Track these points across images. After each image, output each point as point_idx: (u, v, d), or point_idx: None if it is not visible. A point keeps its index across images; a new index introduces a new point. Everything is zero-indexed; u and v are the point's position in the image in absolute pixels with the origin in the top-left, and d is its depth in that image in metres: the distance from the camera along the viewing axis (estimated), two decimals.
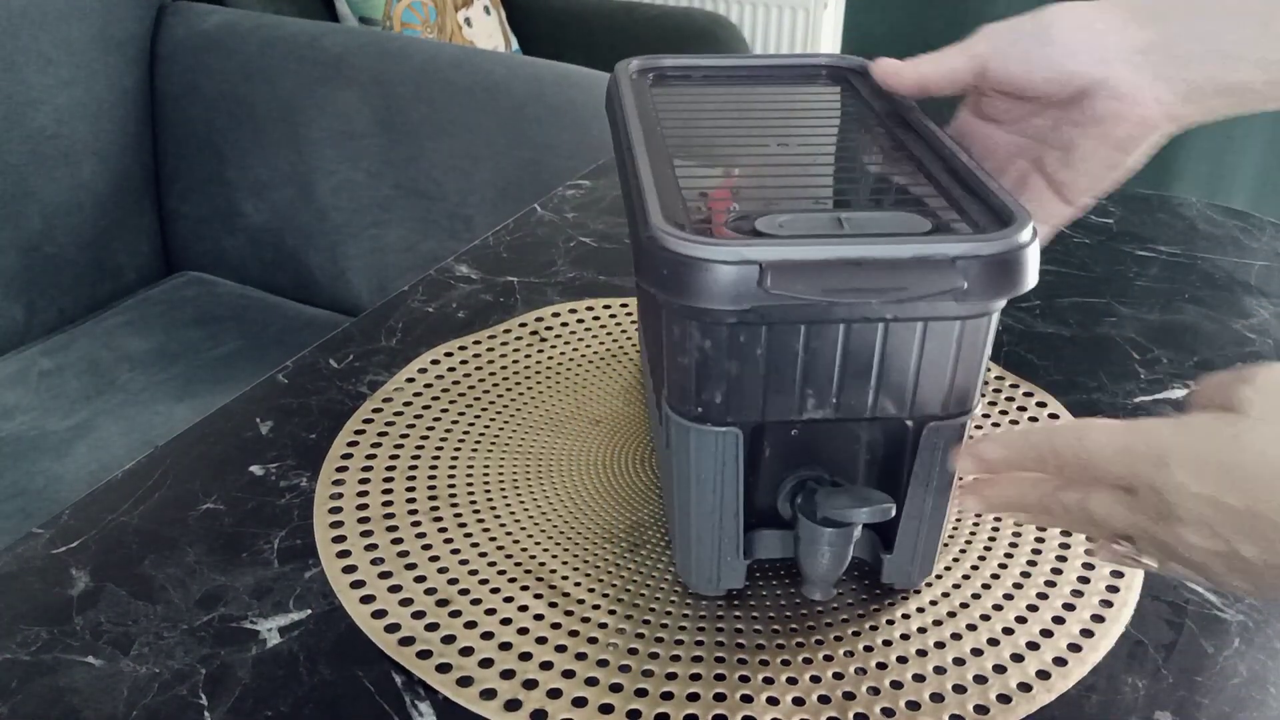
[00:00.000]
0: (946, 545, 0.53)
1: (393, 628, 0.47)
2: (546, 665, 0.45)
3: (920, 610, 0.49)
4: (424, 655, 0.46)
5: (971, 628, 0.48)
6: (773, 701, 0.44)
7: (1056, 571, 0.51)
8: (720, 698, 0.44)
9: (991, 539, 0.53)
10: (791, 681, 0.45)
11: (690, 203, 0.43)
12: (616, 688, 0.45)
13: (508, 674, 0.45)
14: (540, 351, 0.68)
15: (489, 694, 0.44)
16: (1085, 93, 0.45)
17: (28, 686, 0.44)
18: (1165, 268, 0.81)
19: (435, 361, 0.67)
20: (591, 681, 0.45)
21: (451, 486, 0.56)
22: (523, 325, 0.71)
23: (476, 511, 0.55)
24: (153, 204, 1.49)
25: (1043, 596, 0.50)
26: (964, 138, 0.51)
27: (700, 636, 0.47)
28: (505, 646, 0.46)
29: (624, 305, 0.73)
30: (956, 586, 0.50)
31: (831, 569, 0.45)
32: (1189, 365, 0.68)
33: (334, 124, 1.38)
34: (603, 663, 0.46)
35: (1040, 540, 0.53)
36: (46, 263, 1.34)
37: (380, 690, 0.44)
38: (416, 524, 0.54)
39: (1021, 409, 0.63)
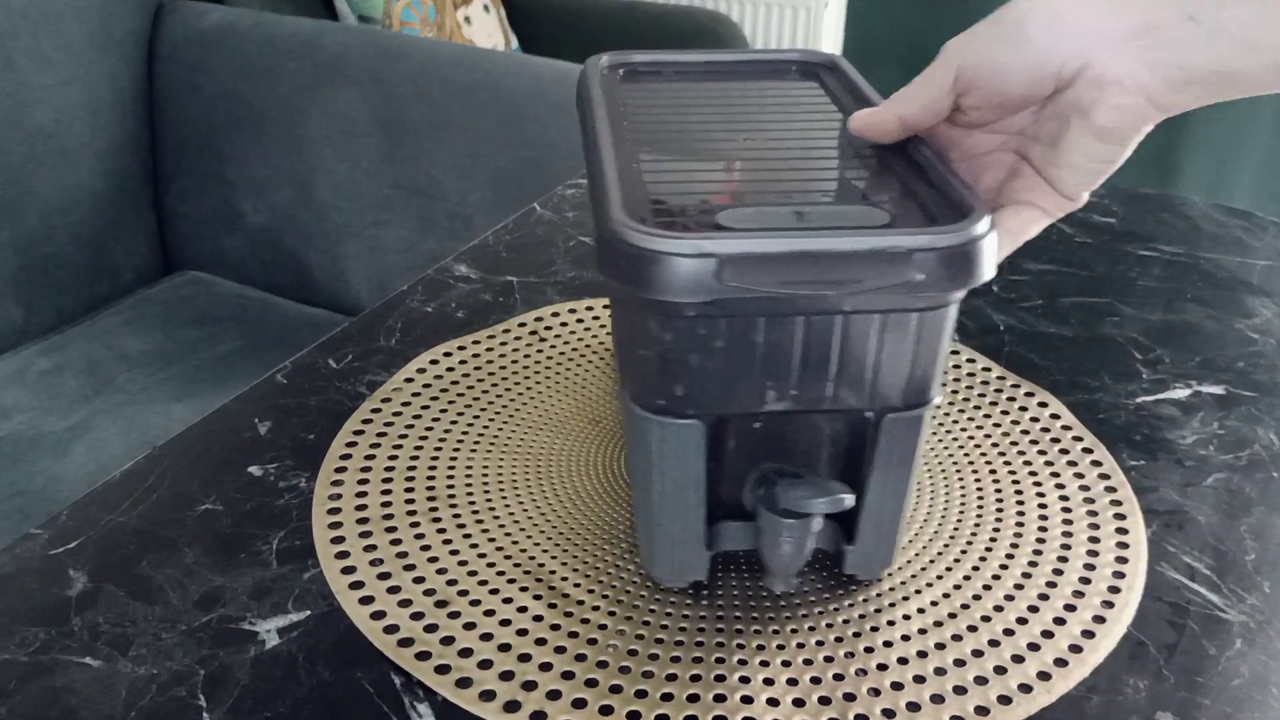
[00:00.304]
0: (947, 546, 0.53)
1: (392, 629, 0.47)
2: (546, 666, 0.45)
3: (921, 611, 0.49)
4: (423, 656, 0.46)
5: (972, 629, 0.48)
6: (773, 702, 0.44)
7: (1057, 573, 0.51)
8: (720, 698, 0.44)
9: (992, 539, 0.53)
10: (792, 682, 0.45)
11: (662, 197, 0.43)
12: (616, 689, 0.44)
13: (507, 675, 0.45)
14: (540, 351, 0.68)
15: (488, 695, 0.44)
16: (1067, 83, 0.43)
17: (26, 687, 0.44)
18: (1168, 267, 0.81)
19: (434, 361, 0.67)
20: (591, 683, 0.45)
21: (450, 487, 0.56)
22: (522, 325, 0.71)
23: (475, 512, 0.54)
24: (151, 204, 1.49)
25: (1044, 597, 0.49)
26: (942, 144, 0.49)
27: (700, 638, 0.47)
28: (504, 648, 0.46)
29: None
30: (957, 587, 0.50)
31: (792, 560, 0.45)
32: (1191, 365, 0.68)
33: (333, 123, 1.38)
34: (603, 664, 0.46)
35: (1041, 541, 0.53)
36: (45, 262, 1.34)
37: (379, 691, 0.44)
38: (415, 525, 0.53)
39: (1023, 409, 0.63)
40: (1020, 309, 0.74)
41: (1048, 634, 0.47)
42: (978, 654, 0.46)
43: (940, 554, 0.52)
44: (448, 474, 0.57)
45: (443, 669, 0.45)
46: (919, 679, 0.45)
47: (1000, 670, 0.46)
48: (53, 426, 1.15)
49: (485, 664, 0.45)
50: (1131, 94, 0.42)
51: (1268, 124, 2.08)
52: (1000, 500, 0.56)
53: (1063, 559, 0.52)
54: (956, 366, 0.67)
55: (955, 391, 0.65)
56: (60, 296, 1.36)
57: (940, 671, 0.45)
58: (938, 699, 0.44)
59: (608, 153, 0.46)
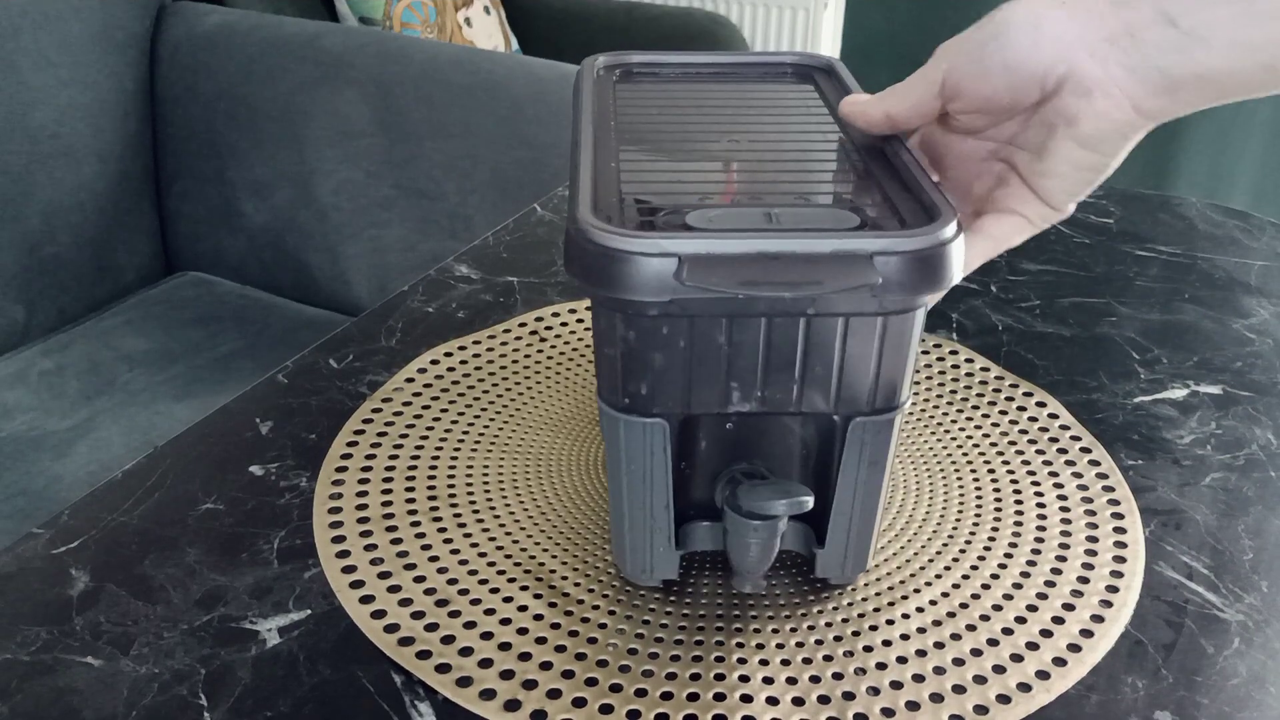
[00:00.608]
0: (946, 546, 0.53)
1: (392, 628, 0.47)
2: (546, 665, 0.45)
3: (920, 610, 0.49)
4: (423, 655, 0.46)
5: (971, 628, 0.48)
6: (772, 701, 0.44)
7: (1056, 572, 0.51)
8: (720, 697, 0.44)
9: (991, 539, 0.53)
10: (791, 681, 0.45)
11: (636, 197, 0.44)
12: (616, 688, 0.45)
13: (507, 674, 0.45)
14: (540, 351, 0.68)
15: (488, 694, 0.44)
16: (1051, 92, 0.42)
17: (27, 686, 0.44)
18: (1165, 268, 0.81)
19: (435, 361, 0.67)
20: (591, 682, 0.45)
21: (451, 486, 0.56)
22: (523, 325, 0.71)
23: (476, 511, 0.55)
24: (153, 204, 1.49)
25: (1042, 597, 0.50)
26: (931, 149, 0.49)
27: (700, 636, 0.47)
28: (505, 647, 0.46)
29: None
30: (956, 587, 0.50)
31: (758, 561, 0.45)
32: (1189, 365, 0.68)
33: (334, 124, 1.38)
34: (603, 663, 0.46)
35: (1039, 540, 0.53)
36: (46, 262, 1.34)
37: (380, 690, 0.44)
38: (416, 524, 0.54)
39: (1021, 409, 0.63)
40: (1018, 309, 0.74)
41: (1046, 633, 0.48)
42: (977, 653, 0.46)
43: (939, 553, 0.52)
44: (448, 473, 0.57)
45: (443, 668, 0.45)
46: (918, 678, 0.45)
47: (999, 669, 0.46)
48: (54, 426, 1.15)
49: (485, 663, 0.46)
50: (1114, 100, 0.41)
51: (1265, 124, 2.08)
52: (999, 500, 0.56)
53: (1061, 558, 0.52)
54: (955, 366, 0.67)
55: (954, 391, 0.65)
56: (62, 296, 1.36)
57: (939, 670, 0.46)
58: (937, 698, 0.44)
59: (586, 152, 0.47)
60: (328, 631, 0.47)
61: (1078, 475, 0.58)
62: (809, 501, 0.43)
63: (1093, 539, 0.53)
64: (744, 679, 0.45)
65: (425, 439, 0.60)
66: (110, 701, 0.44)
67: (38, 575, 0.50)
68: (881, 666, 0.46)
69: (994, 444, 0.60)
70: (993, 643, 0.47)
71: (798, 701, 0.44)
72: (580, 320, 0.72)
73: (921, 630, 0.48)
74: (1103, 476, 0.58)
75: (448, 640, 0.47)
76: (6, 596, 0.49)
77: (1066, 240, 0.85)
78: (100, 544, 0.52)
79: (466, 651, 0.46)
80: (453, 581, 0.50)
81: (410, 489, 0.56)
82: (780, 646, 0.47)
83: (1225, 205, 0.92)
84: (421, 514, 0.54)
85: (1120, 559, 0.52)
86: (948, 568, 0.51)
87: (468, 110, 1.34)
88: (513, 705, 0.43)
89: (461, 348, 0.68)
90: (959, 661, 0.46)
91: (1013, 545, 0.53)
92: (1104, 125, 0.42)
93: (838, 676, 0.45)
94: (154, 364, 1.26)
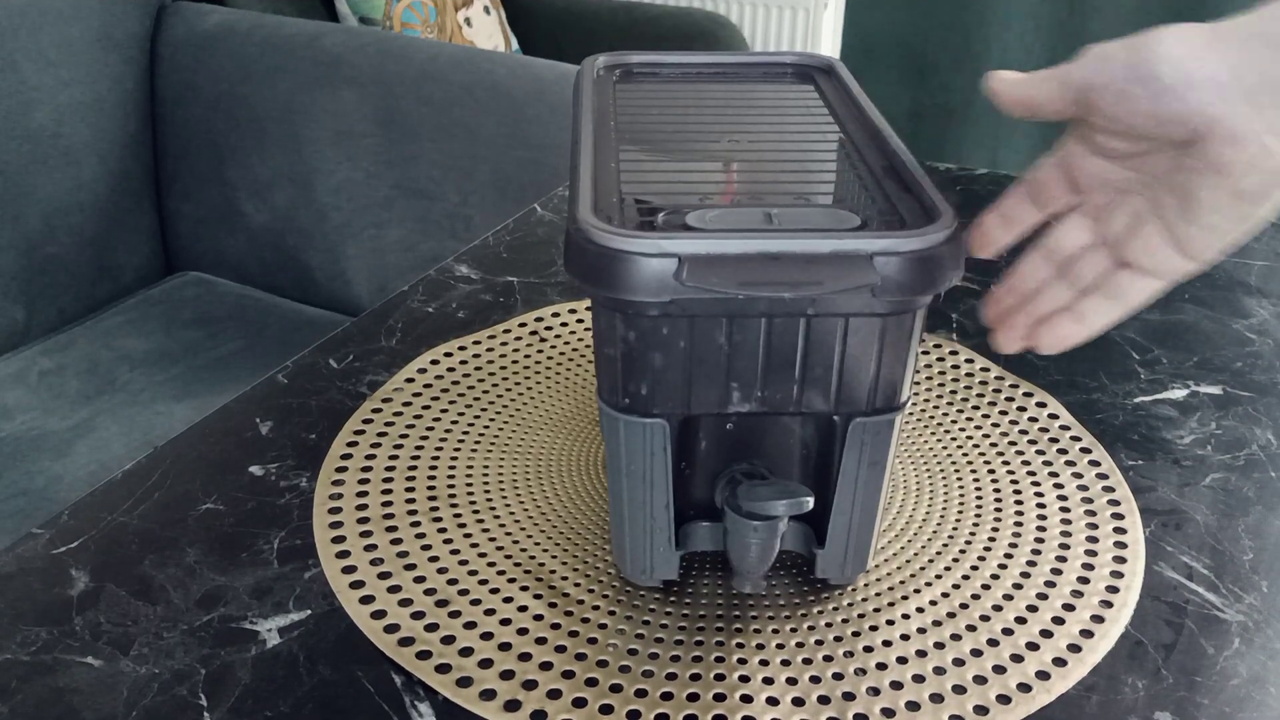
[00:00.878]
0: (946, 546, 0.53)
1: (392, 628, 0.47)
2: (546, 666, 0.45)
3: (920, 610, 0.49)
4: (423, 656, 0.46)
5: (971, 628, 0.48)
6: (772, 701, 0.44)
7: (1056, 572, 0.51)
8: (720, 698, 0.44)
9: (991, 539, 0.53)
10: (791, 682, 0.45)
11: (636, 197, 0.44)
12: (616, 688, 0.45)
13: (507, 674, 0.45)
14: (540, 351, 0.68)
15: (489, 694, 0.44)
16: (1200, 136, 0.38)
17: (27, 687, 0.44)
18: None
19: (435, 361, 0.67)
20: (591, 682, 0.45)
21: (451, 486, 0.56)
22: (523, 325, 0.71)
23: (476, 511, 0.55)
24: (153, 204, 1.49)
25: (1042, 597, 0.50)
26: (1069, 169, 0.44)
27: (700, 637, 0.47)
28: (505, 647, 0.46)
29: None
30: (956, 587, 0.50)
31: (758, 561, 0.45)
32: (1189, 365, 0.68)
33: (334, 124, 1.38)
34: (603, 663, 0.46)
35: (1039, 540, 0.53)
36: (46, 263, 1.34)
37: (380, 691, 0.44)
38: (416, 524, 0.54)
39: (1021, 409, 0.63)
40: None
41: (1046, 633, 0.48)
42: (977, 654, 0.46)
43: (939, 553, 0.52)
44: (448, 474, 0.57)
45: (443, 668, 0.45)
46: (918, 678, 0.45)
47: (999, 670, 0.46)
48: (54, 426, 1.15)
49: (485, 663, 0.45)
50: (1269, 149, 0.38)
51: None
52: (999, 500, 0.56)
53: (1061, 559, 0.52)
54: (955, 367, 0.67)
55: (954, 392, 0.65)
56: (62, 297, 1.36)
57: (939, 671, 0.46)
58: (937, 698, 0.44)
59: (586, 152, 0.47)
60: (328, 632, 0.47)
61: (1078, 475, 0.58)
62: (809, 502, 0.43)
63: (1093, 539, 0.53)
64: (744, 679, 0.45)
65: (425, 439, 0.60)
66: (110, 701, 0.44)
67: (38, 575, 0.50)
68: (881, 667, 0.46)
69: (994, 444, 0.60)
70: (993, 643, 0.47)
71: (798, 701, 0.44)
72: (580, 320, 0.72)
73: (921, 630, 0.48)
74: (1103, 477, 0.58)
75: (448, 640, 0.47)
76: (6, 596, 0.49)
77: None
78: (100, 544, 0.52)
79: (466, 652, 0.46)
80: (453, 581, 0.50)
81: (410, 489, 0.56)
82: (780, 646, 0.47)
83: None
84: (421, 514, 0.54)
85: (1120, 559, 0.52)
86: (948, 568, 0.51)
87: (468, 110, 1.34)
88: (513, 705, 0.43)
89: (461, 348, 0.68)
90: (959, 662, 0.46)
91: (1013, 545, 0.53)
92: (1259, 179, 0.39)
93: (838, 676, 0.45)
94: (154, 364, 1.26)
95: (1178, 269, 0.43)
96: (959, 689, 0.45)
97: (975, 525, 0.54)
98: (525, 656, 0.46)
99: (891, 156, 0.47)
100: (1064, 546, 0.53)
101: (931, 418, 0.63)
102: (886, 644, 0.47)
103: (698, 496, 0.47)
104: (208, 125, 1.44)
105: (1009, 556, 0.52)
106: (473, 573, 0.51)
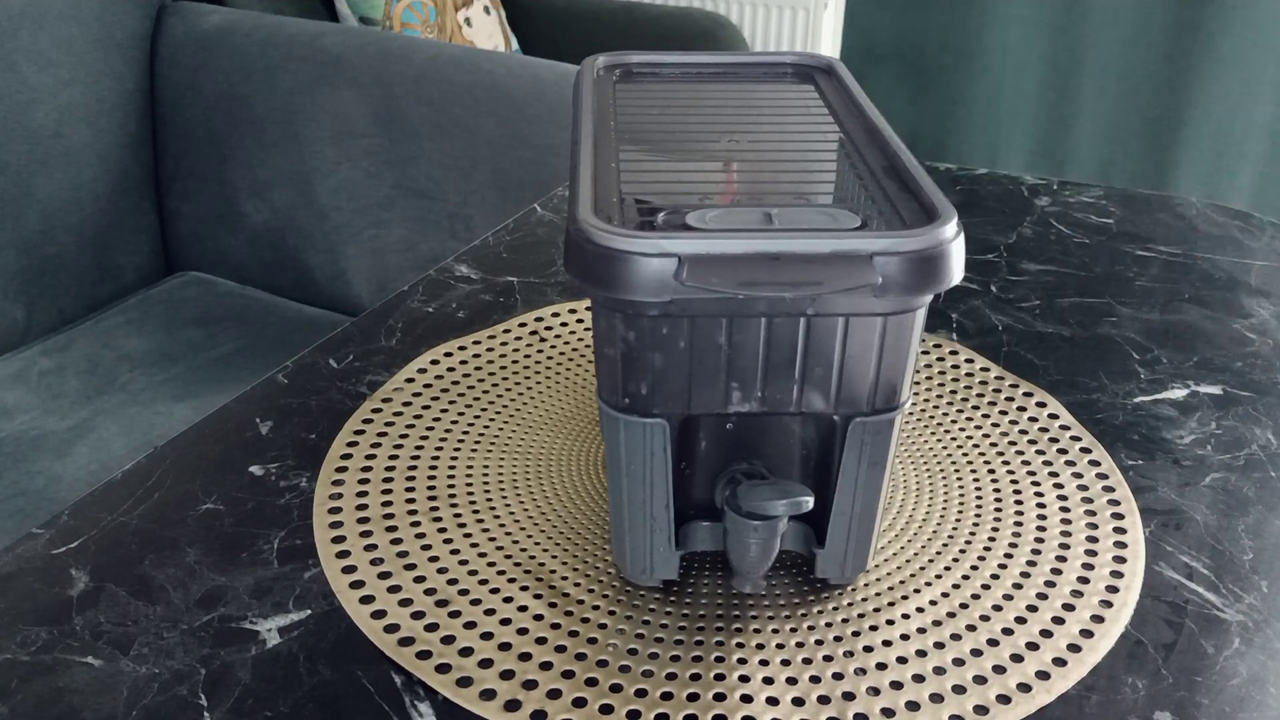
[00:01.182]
0: (946, 546, 0.53)
1: (392, 628, 0.47)
2: (546, 665, 0.45)
3: (920, 610, 0.49)
4: (423, 655, 0.46)
5: (971, 628, 0.48)
6: (772, 701, 0.44)
7: (1056, 572, 0.51)
8: (720, 698, 0.44)
9: (991, 539, 0.53)
10: (791, 681, 0.45)
11: (636, 197, 0.44)
12: (616, 688, 0.45)
13: (507, 674, 0.45)
14: (540, 351, 0.68)
15: (489, 694, 0.44)
16: None
17: (27, 687, 0.44)
18: (1165, 268, 0.81)
19: (435, 361, 0.67)
20: (591, 682, 0.45)
21: (451, 486, 0.56)
22: (523, 325, 0.71)
23: (476, 511, 0.55)
24: (153, 204, 1.49)
25: (1042, 597, 0.50)
26: None
27: (700, 636, 0.47)
28: (505, 647, 0.46)
29: None
30: (956, 587, 0.50)
31: (757, 561, 0.45)
32: (1189, 365, 0.68)
33: (334, 124, 1.38)
34: (603, 663, 0.46)
35: (1039, 540, 0.53)
36: (46, 262, 1.34)
37: (380, 690, 0.44)
38: (416, 524, 0.54)
39: (1021, 409, 0.63)
40: (1019, 309, 0.74)
41: (1046, 633, 0.48)
42: (977, 653, 0.46)
43: (939, 553, 0.52)
44: (448, 473, 0.57)
45: (443, 668, 0.45)
46: (918, 678, 0.45)
47: (999, 670, 0.46)
48: (54, 426, 1.15)
49: (486, 663, 0.46)
50: None
51: (1265, 124, 2.08)
52: (999, 500, 0.56)
53: (1061, 558, 0.52)
54: (955, 367, 0.67)
55: (954, 392, 0.65)
56: (62, 297, 1.37)
57: (939, 671, 0.46)
58: (937, 698, 0.44)
59: (586, 152, 0.47)
60: (328, 632, 0.47)
61: (1078, 475, 0.58)
62: (809, 502, 0.43)
63: (1093, 539, 0.53)
64: (744, 679, 0.45)
65: (425, 439, 0.60)
66: (110, 702, 0.44)
67: (38, 575, 0.50)
68: (881, 666, 0.46)
69: (994, 444, 0.60)
70: (993, 643, 0.47)
71: (798, 701, 0.44)
72: (580, 320, 0.72)
73: (921, 630, 0.48)
74: (1103, 477, 0.58)
75: (448, 640, 0.47)
76: (6, 596, 0.49)
77: (1066, 240, 0.85)
78: (100, 544, 0.52)
79: (466, 651, 0.46)
80: (453, 581, 0.50)
81: (410, 489, 0.56)
82: (780, 646, 0.47)
83: (1225, 205, 0.92)
84: (421, 514, 0.54)
85: (1120, 559, 0.52)
86: (948, 568, 0.51)
87: (468, 110, 1.34)
88: (513, 705, 0.43)
89: (461, 348, 0.68)
90: (959, 662, 0.46)
91: (1013, 545, 0.53)
92: None
93: (838, 676, 0.45)
94: (154, 364, 1.26)
95: None
96: (959, 689, 0.45)
97: (975, 525, 0.54)
98: (525, 656, 0.46)
99: (891, 156, 0.47)
100: (1064, 546, 0.53)
101: (931, 418, 0.63)
102: (886, 644, 0.47)
103: (698, 496, 0.47)
104: (208, 125, 1.44)
105: (1009, 556, 0.52)
106: (473, 573, 0.51)
